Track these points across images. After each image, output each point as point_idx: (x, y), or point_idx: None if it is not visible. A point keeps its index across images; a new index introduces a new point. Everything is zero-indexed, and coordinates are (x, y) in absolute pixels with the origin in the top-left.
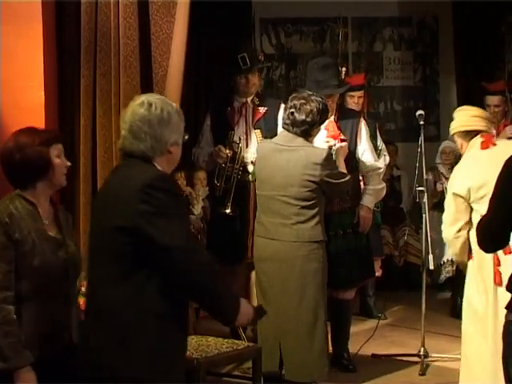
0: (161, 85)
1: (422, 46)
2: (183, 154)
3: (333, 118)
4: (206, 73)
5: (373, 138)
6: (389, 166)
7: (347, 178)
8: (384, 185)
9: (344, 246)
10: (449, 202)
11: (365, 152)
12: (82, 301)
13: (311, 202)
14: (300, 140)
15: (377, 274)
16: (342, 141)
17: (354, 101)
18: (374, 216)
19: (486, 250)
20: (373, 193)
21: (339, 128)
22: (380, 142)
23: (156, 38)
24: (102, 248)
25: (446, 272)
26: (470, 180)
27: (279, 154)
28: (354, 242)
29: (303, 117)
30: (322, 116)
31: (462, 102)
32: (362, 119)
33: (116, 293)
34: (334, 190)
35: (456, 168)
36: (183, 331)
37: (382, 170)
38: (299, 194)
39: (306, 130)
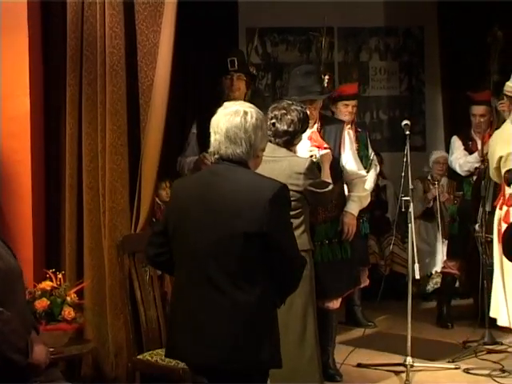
0: (147, 94)
1: (408, 56)
2: (168, 163)
3: (316, 127)
4: (192, 83)
5: (364, 148)
6: (377, 177)
7: (331, 187)
8: (368, 192)
9: (329, 256)
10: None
11: (349, 161)
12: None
13: (296, 212)
14: (283, 150)
15: (364, 283)
16: (325, 149)
17: (349, 110)
18: (361, 225)
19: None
20: (357, 199)
21: (323, 137)
22: (371, 152)
23: (142, 47)
24: (221, 252)
25: (434, 283)
26: None
27: (263, 164)
28: (339, 251)
29: (285, 127)
30: (303, 125)
31: (447, 111)
32: (345, 127)
33: (249, 292)
34: (317, 199)
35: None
36: None
37: (365, 178)
38: None
39: (289, 140)
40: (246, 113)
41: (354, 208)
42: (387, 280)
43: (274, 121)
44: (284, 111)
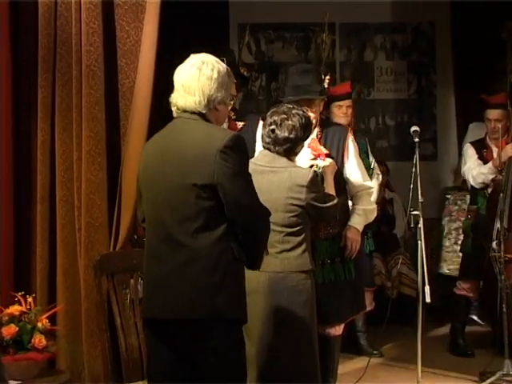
0: (128, 97)
1: (417, 55)
2: None
3: (316, 133)
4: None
5: (365, 156)
6: (380, 188)
7: (335, 202)
8: (375, 206)
9: (331, 277)
10: None
11: (353, 171)
12: None
13: (297, 228)
14: (283, 160)
15: (369, 307)
16: (327, 157)
17: (343, 111)
18: (366, 242)
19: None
20: (362, 213)
21: (324, 145)
22: (372, 160)
23: (122, 45)
24: (180, 204)
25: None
26: None
27: (260, 175)
28: (342, 271)
29: (286, 134)
30: (305, 131)
31: (461, 116)
32: (349, 133)
33: (205, 242)
34: (320, 214)
35: None
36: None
37: (372, 190)
38: (284, 219)
39: (290, 148)
40: (202, 62)
41: (358, 222)
42: (394, 303)
43: (273, 127)
44: (284, 116)
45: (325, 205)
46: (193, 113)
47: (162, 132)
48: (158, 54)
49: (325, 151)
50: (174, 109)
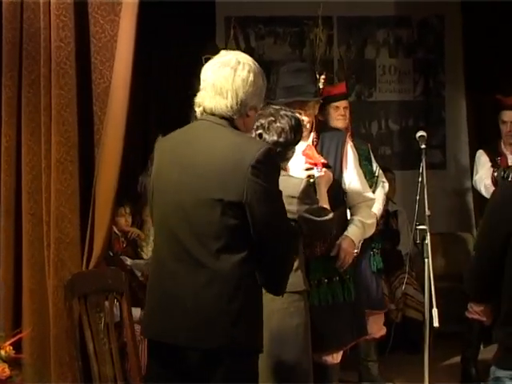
0: (102, 99)
1: (424, 52)
2: (128, 184)
3: (311, 139)
4: (158, 85)
5: (367, 163)
6: (386, 199)
7: (331, 216)
8: (374, 220)
9: (328, 298)
10: None
11: (352, 181)
12: None
13: None
14: None
15: (380, 332)
16: (324, 166)
17: (340, 113)
18: (372, 259)
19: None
20: (360, 225)
21: (320, 152)
22: (376, 167)
23: (97, 41)
24: (200, 221)
25: None
26: None
27: None
28: (340, 292)
29: (274, 137)
30: (296, 134)
31: (472, 119)
32: (348, 139)
33: (227, 264)
34: (314, 229)
35: None
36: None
37: (372, 202)
38: None
39: (280, 154)
40: (238, 63)
41: (355, 234)
42: (399, 328)
43: (260, 131)
44: (272, 118)
45: (319, 218)
46: (222, 117)
47: (181, 134)
48: (137, 52)
49: (322, 160)
50: (199, 109)
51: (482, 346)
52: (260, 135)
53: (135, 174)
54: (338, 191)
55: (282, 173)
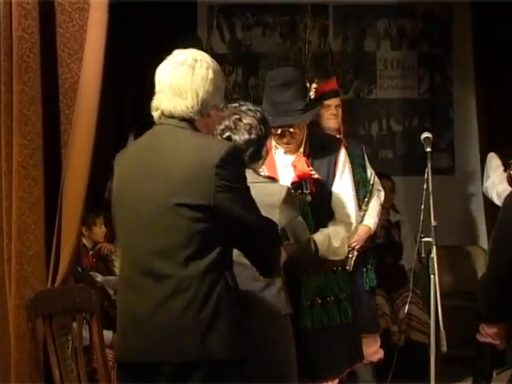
0: (70, 95)
1: (430, 45)
2: (99, 190)
3: (302, 149)
4: (133, 81)
5: (360, 169)
6: (384, 209)
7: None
8: (341, 245)
9: (323, 320)
10: None
11: (339, 194)
12: None
13: None
14: (249, 173)
15: (377, 355)
16: (313, 180)
17: (332, 112)
18: (365, 276)
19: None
20: (325, 236)
21: (312, 163)
22: (371, 174)
23: (64, 30)
24: (166, 230)
25: None
26: None
27: None
28: (336, 313)
29: (245, 136)
30: (264, 127)
31: (483, 119)
32: (342, 148)
33: (194, 271)
34: (299, 244)
35: None
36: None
37: (350, 227)
38: None
39: (255, 153)
40: (195, 60)
41: (318, 238)
42: (402, 352)
43: (227, 133)
44: (236, 117)
45: (303, 238)
46: (182, 119)
47: (140, 142)
48: (109, 43)
49: (311, 171)
50: (156, 113)
51: (494, 373)
52: (229, 138)
53: (108, 178)
54: (328, 205)
55: (260, 179)
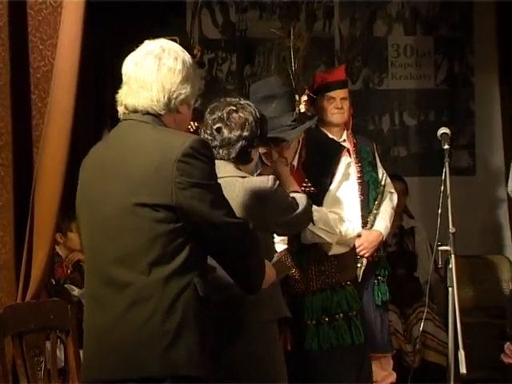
0: (43, 86)
1: (448, 29)
2: (75, 194)
3: (296, 161)
4: (111, 72)
5: (370, 168)
6: (396, 214)
7: (303, 207)
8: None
9: (332, 340)
10: None
11: (330, 195)
12: None
13: None
14: (230, 167)
15: (390, 379)
16: (306, 189)
17: (337, 105)
18: (377, 289)
19: None
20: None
21: (308, 174)
22: (383, 174)
23: (36, 13)
24: (127, 233)
25: None
26: None
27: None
28: (347, 332)
29: (238, 131)
30: (262, 127)
31: (508, 112)
32: (343, 155)
33: (158, 278)
34: (289, 228)
35: None
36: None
37: (351, 237)
38: None
39: (244, 151)
40: (163, 50)
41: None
42: (417, 375)
43: (219, 125)
44: (232, 108)
45: (291, 215)
46: (147, 113)
47: (104, 140)
48: (88, 27)
49: (305, 185)
50: (120, 108)
51: None
52: (218, 129)
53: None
54: None
55: (241, 173)
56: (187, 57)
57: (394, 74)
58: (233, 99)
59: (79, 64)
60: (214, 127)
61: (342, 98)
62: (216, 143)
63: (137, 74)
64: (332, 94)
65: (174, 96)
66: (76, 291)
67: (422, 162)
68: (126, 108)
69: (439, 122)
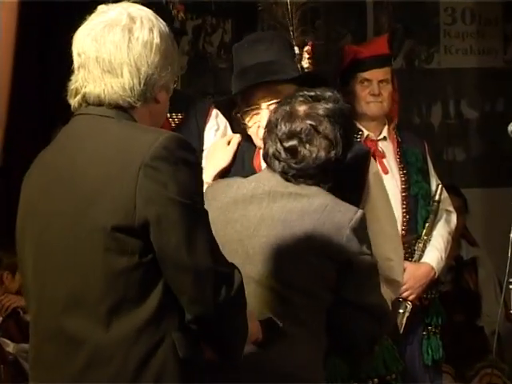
0: None
1: None
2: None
3: None
4: (60, 56)
5: (420, 177)
6: (453, 241)
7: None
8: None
9: None
10: None
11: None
12: None
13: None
14: (314, 189)
15: None
16: None
17: (373, 91)
18: (426, 344)
19: None
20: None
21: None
22: (436, 183)
23: None
24: (77, 267)
25: None
26: None
27: (268, 202)
28: None
29: (321, 153)
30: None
31: None
32: (371, 168)
33: (121, 332)
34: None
35: None
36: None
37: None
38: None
39: (324, 173)
40: (132, 19)
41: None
42: None
43: (293, 142)
44: (311, 123)
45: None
46: (115, 107)
47: (53, 144)
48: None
49: None
50: (75, 100)
51: None
52: (293, 150)
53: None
54: None
55: (326, 194)
56: (164, 25)
57: (447, 48)
58: (306, 99)
59: (14, 51)
60: (287, 145)
61: (382, 81)
62: (285, 166)
63: (99, 54)
64: (367, 74)
65: (153, 81)
66: (11, 347)
67: (486, 169)
68: (85, 99)
69: (509, 115)
